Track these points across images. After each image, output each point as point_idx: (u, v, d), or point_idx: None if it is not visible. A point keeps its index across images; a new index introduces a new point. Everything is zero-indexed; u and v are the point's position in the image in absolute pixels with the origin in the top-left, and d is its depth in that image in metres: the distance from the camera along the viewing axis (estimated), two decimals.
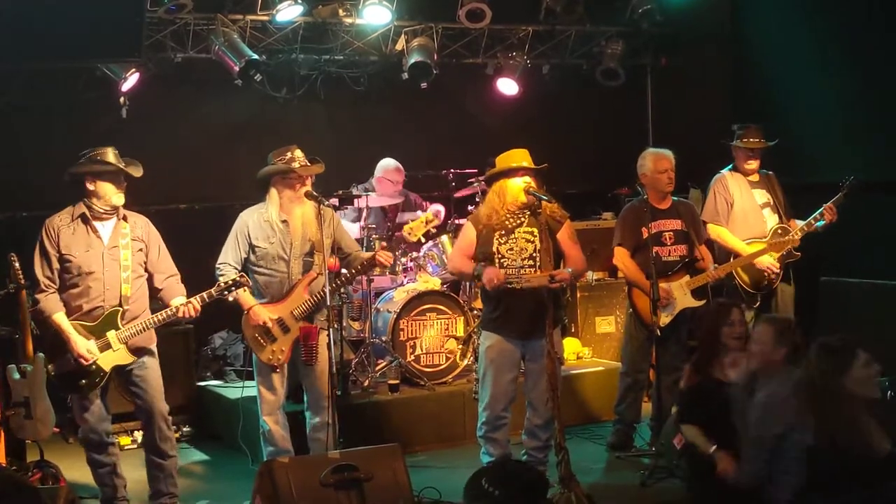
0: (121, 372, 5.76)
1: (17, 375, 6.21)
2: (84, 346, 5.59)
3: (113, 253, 5.69)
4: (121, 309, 5.66)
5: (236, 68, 8.18)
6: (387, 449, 5.51)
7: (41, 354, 6.30)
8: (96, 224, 5.70)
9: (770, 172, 7.56)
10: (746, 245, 7.29)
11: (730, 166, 7.55)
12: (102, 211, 5.70)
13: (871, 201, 7.68)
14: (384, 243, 6.68)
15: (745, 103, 9.22)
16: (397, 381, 7.48)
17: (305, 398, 6.26)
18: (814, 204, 7.30)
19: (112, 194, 5.68)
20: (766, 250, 7.22)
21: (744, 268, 7.30)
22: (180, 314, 5.73)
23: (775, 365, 5.17)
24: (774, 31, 9.14)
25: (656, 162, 6.85)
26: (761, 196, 7.47)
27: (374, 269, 6.96)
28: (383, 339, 7.66)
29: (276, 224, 6.10)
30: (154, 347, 5.86)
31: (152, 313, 5.80)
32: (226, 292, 5.80)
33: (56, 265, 5.64)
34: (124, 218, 5.77)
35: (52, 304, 5.64)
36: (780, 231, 7.35)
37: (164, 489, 5.86)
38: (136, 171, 5.76)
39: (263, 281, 6.13)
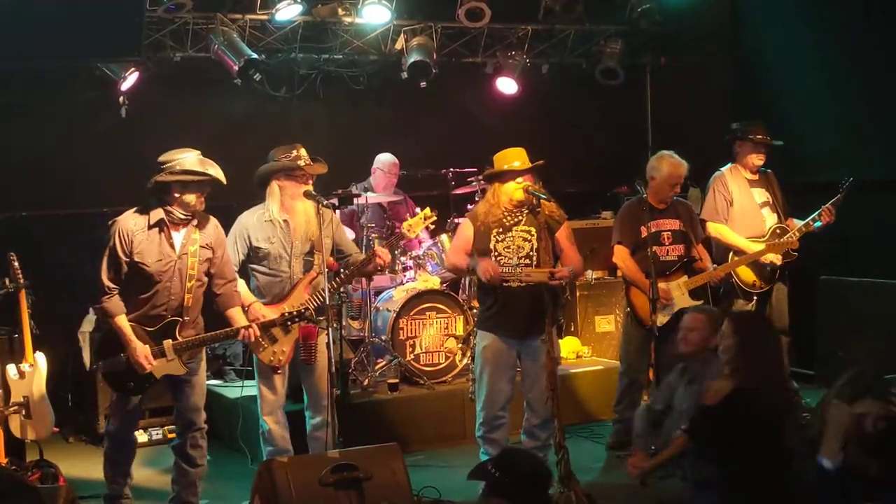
0: (169, 377, 5.70)
1: (16, 375, 6.21)
2: (143, 353, 5.49)
3: (182, 261, 5.57)
4: (180, 320, 5.58)
5: (235, 67, 8.17)
6: (386, 448, 5.50)
7: (40, 354, 6.32)
8: (172, 231, 5.56)
9: (769, 171, 7.56)
10: (748, 241, 7.29)
11: (729, 164, 7.55)
12: (182, 217, 5.57)
13: (871, 200, 7.69)
14: (384, 242, 6.67)
15: (743, 102, 9.23)
16: (397, 381, 7.48)
17: (305, 398, 6.26)
18: (813, 203, 7.30)
19: (196, 202, 5.55)
20: (765, 251, 7.21)
21: (741, 268, 7.30)
22: (240, 337, 5.72)
23: (709, 352, 5.35)
24: (773, 31, 9.15)
25: (671, 172, 6.79)
26: (760, 195, 7.46)
27: (363, 275, 6.95)
28: (383, 338, 7.66)
29: (277, 222, 6.08)
30: (202, 354, 5.82)
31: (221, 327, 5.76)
32: (289, 323, 5.81)
33: (124, 269, 5.50)
34: (196, 223, 5.63)
35: (117, 307, 5.50)
36: (778, 231, 7.35)
37: (185, 497, 5.85)
38: (221, 177, 5.58)
39: (265, 281, 6.12)
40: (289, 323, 5.81)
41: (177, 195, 5.52)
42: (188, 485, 5.85)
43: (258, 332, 5.73)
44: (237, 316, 5.78)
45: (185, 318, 5.61)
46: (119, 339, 5.52)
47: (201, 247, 5.63)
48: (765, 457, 4.98)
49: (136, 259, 5.48)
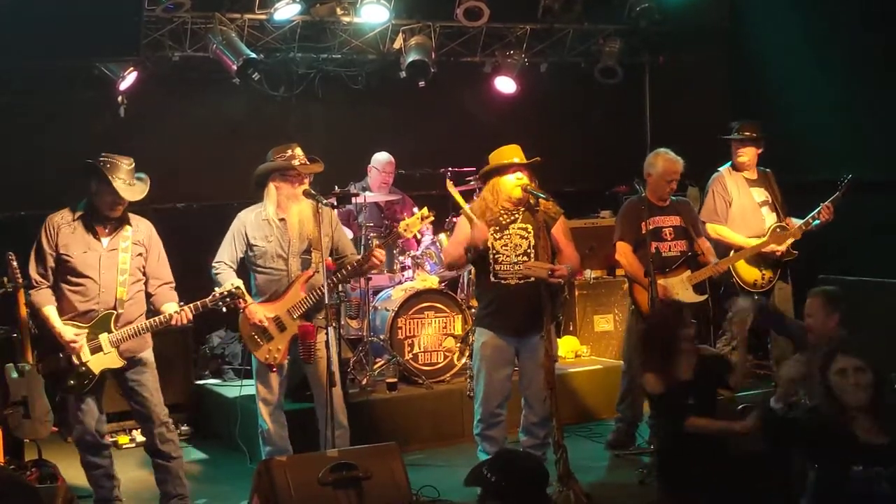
0: (117, 378, 5.73)
1: (15, 374, 6.21)
2: (70, 333, 5.53)
3: (111, 256, 5.64)
4: (115, 312, 5.62)
5: (234, 67, 8.17)
6: (385, 447, 5.50)
7: None
8: (97, 226, 5.65)
9: (768, 170, 7.58)
10: (747, 240, 7.30)
11: (728, 164, 7.57)
12: (104, 215, 5.65)
13: (870, 199, 7.69)
14: (378, 242, 6.65)
15: (743, 101, 9.23)
16: (395, 380, 7.48)
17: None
18: (812, 202, 7.31)
19: (108, 208, 5.62)
20: (766, 243, 7.23)
21: (741, 267, 7.31)
22: (173, 322, 5.68)
23: (831, 332, 5.44)
24: (773, 29, 9.15)
25: (666, 168, 6.81)
26: (759, 194, 7.48)
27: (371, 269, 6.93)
28: (381, 337, 7.66)
29: (273, 222, 6.09)
30: (149, 352, 5.82)
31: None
32: (220, 303, 5.75)
33: (51, 263, 5.60)
34: (127, 221, 5.72)
35: (43, 298, 5.61)
36: (778, 229, 7.36)
37: (173, 491, 5.84)
38: (136, 194, 5.63)
39: (263, 280, 6.12)
40: (220, 303, 5.73)
41: (93, 190, 5.63)
42: (173, 478, 5.85)
43: (190, 316, 5.69)
44: (169, 308, 5.76)
45: (120, 311, 5.63)
46: (53, 337, 5.57)
47: (133, 243, 5.70)
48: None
49: (61, 251, 5.59)
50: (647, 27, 9.76)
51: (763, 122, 7.54)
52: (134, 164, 5.67)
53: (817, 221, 7.22)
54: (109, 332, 5.62)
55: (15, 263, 6.30)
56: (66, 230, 5.62)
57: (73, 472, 6.58)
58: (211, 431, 7.72)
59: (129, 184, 5.60)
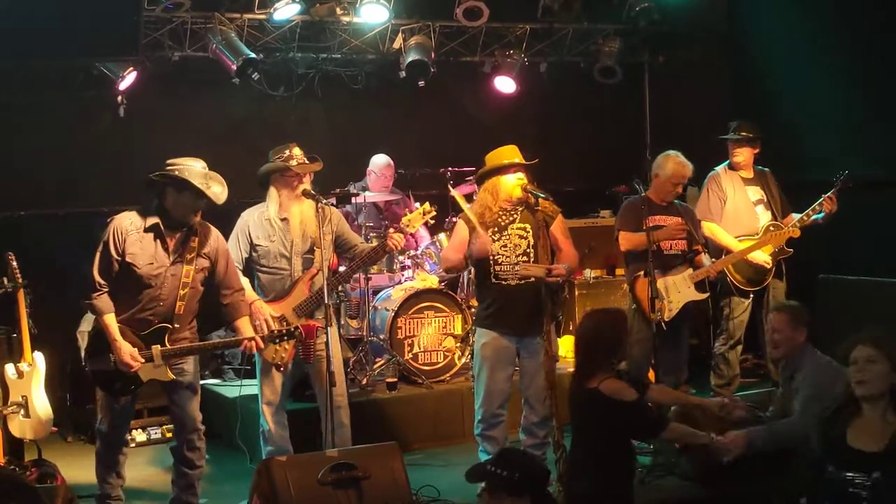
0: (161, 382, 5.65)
1: (14, 375, 6.22)
2: (128, 352, 5.41)
3: (175, 269, 5.48)
4: (170, 327, 5.50)
5: (233, 67, 8.18)
6: (385, 447, 5.51)
7: (39, 353, 6.32)
8: (167, 236, 5.47)
9: (766, 169, 7.60)
10: (738, 241, 7.33)
11: (725, 163, 7.59)
12: (177, 223, 5.49)
13: (870, 199, 7.68)
14: (395, 226, 6.57)
15: (742, 100, 9.22)
16: (395, 380, 7.48)
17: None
18: (812, 201, 7.29)
19: (188, 212, 5.45)
20: (759, 244, 7.24)
21: (736, 265, 7.33)
22: (242, 347, 5.65)
23: (799, 347, 5.46)
24: (772, 28, 9.14)
25: (675, 172, 6.83)
26: (755, 193, 7.50)
27: (376, 263, 6.89)
28: (381, 337, 7.66)
29: (275, 222, 6.09)
30: (195, 361, 5.75)
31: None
32: (277, 340, 5.71)
33: (115, 267, 5.43)
34: (195, 231, 5.54)
35: (105, 304, 5.43)
36: (772, 228, 7.38)
37: (184, 498, 5.82)
38: (219, 197, 5.45)
39: (267, 280, 6.12)
40: (277, 340, 5.71)
41: (170, 199, 5.46)
42: (187, 486, 5.82)
43: (262, 345, 5.66)
44: (244, 327, 5.70)
45: (176, 326, 5.52)
46: (107, 339, 5.46)
47: (199, 255, 5.56)
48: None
49: (127, 259, 5.42)
50: (646, 27, 9.75)
51: (762, 121, 7.54)
52: (206, 166, 5.52)
53: (821, 214, 7.21)
54: (163, 345, 5.49)
55: (14, 263, 6.31)
56: (133, 237, 5.43)
57: (73, 472, 6.59)
58: (211, 431, 7.66)
59: (207, 186, 5.42)
